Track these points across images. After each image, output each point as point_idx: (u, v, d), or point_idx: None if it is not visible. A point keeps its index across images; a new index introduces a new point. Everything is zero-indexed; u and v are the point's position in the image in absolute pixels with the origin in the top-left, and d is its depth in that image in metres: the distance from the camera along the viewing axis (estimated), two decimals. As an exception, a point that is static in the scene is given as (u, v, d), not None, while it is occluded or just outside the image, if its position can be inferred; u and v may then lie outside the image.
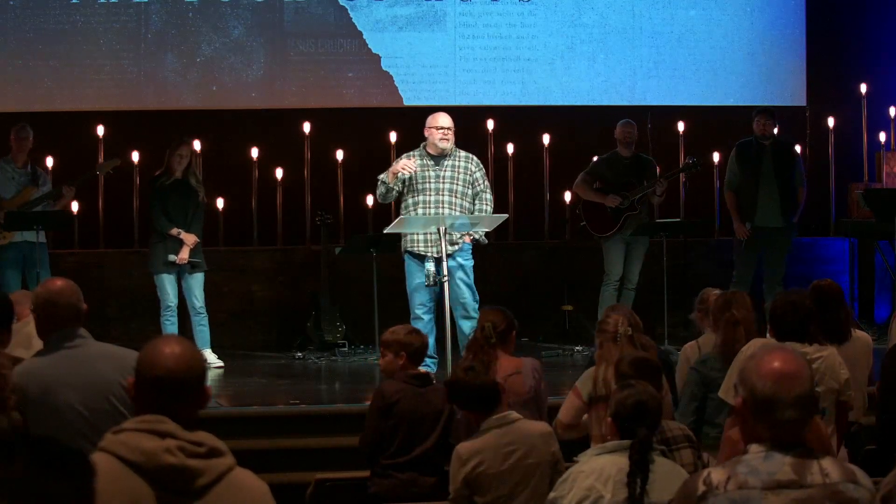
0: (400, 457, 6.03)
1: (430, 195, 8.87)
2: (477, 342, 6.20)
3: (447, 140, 8.93)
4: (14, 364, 4.88)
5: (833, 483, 3.10)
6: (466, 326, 8.59)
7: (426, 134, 8.99)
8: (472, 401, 5.27)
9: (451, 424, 6.07)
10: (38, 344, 5.11)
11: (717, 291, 7.01)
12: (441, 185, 8.89)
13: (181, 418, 2.91)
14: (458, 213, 8.78)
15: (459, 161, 9.00)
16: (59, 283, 4.96)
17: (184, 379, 2.94)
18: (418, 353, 6.15)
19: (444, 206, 8.83)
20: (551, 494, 4.40)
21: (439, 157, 8.92)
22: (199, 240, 9.84)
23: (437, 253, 8.36)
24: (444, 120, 8.99)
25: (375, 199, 9.59)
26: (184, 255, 9.74)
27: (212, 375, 9.66)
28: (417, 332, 6.27)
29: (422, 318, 8.78)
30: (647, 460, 4.24)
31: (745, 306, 6.38)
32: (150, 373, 2.95)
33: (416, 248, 8.84)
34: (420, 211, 8.79)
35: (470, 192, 8.98)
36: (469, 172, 9.00)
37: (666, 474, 4.31)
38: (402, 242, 8.96)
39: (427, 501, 5.97)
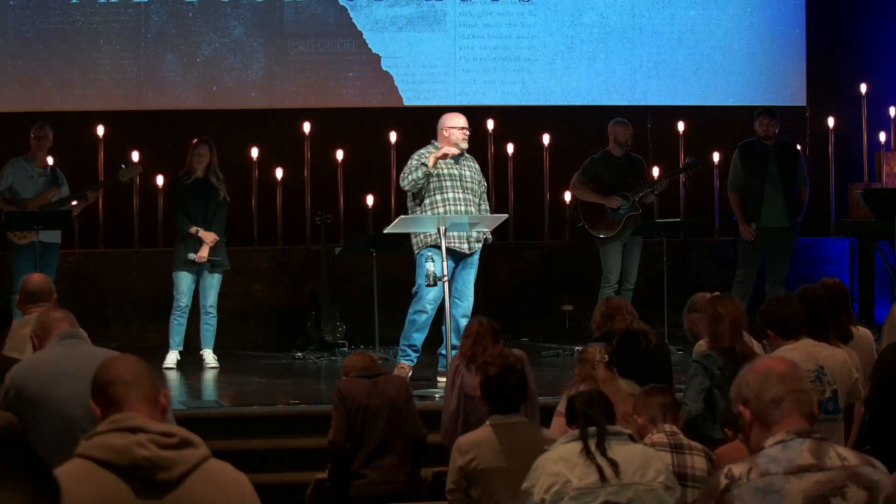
0: (364, 452, 6.25)
1: (458, 192, 8.87)
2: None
3: (467, 140, 8.97)
4: (8, 365, 4.93)
5: (853, 465, 3.21)
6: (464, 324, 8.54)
7: (445, 133, 8.92)
8: (494, 395, 5.23)
9: (408, 411, 6.37)
10: (30, 349, 5.24)
11: (707, 295, 7.02)
12: (465, 184, 8.93)
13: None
14: (474, 211, 8.87)
15: (470, 161, 9.08)
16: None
17: (131, 381, 3.00)
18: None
19: (471, 205, 8.90)
20: (524, 485, 4.43)
21: (457, 157, 8.93)
22: (219, 238, 9.87)
23: (462, 248, 8.75)
24: (464, 120, 9.04)
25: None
26: (203, 253, 9.78)
27: (211, 375, 9.67)
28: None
29: (429, 312, 8.80)
30: (602, 438, 4.36)
31: (732, 304, 6.43)
32: (100, 381, 3.03)
33: (451, 244, 8.61)
34: (452, 208, 8.78)
35: (479, 191, 9.06)
36: (478, 172, 9.12)
37: (636, 455, 4.37)
38: (422, 238, 8.81)
39: (403, 494, 6.19)
